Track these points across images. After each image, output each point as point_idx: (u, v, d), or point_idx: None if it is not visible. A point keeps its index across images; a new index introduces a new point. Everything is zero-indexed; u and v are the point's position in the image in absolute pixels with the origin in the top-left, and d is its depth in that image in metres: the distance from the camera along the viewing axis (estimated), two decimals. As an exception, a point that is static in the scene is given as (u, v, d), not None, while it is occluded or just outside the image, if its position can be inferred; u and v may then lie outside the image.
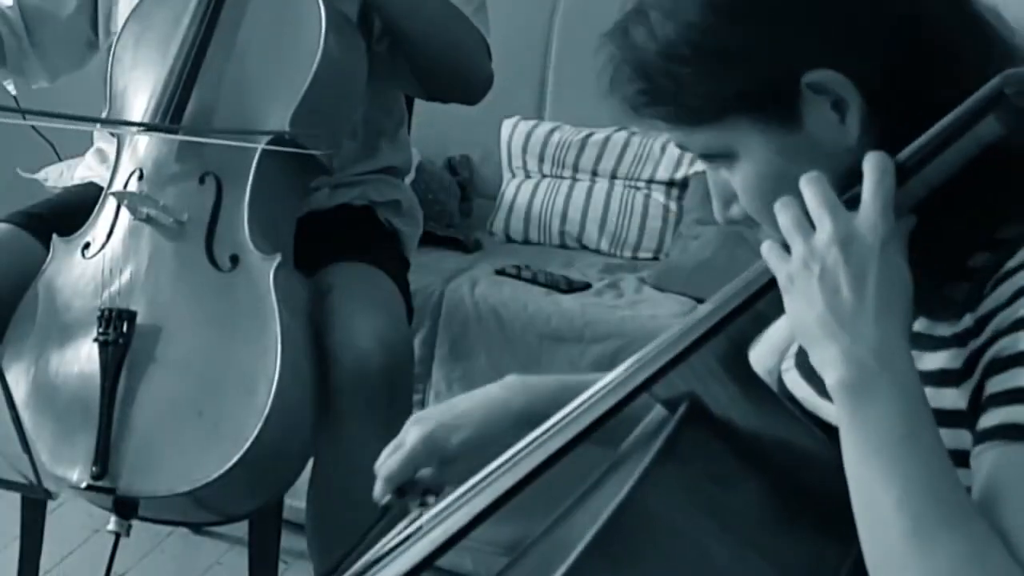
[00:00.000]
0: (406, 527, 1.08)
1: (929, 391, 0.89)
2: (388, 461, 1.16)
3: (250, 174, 1.71)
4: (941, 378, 0.90)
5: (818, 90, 0.89)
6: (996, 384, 0.85)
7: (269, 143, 1.70)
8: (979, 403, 0.87)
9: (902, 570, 0.81)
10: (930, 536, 0.80)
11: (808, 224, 0.87)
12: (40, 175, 2.60)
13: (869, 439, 0.83)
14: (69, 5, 2.01)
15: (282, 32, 1.78)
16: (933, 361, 0.91)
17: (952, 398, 0.89)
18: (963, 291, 0.89)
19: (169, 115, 1.74)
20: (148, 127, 1.76)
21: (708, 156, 0.96)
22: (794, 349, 1.07)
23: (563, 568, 0.83)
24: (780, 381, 1.06)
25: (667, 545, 0.88)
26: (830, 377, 0.85)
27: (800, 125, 0.91)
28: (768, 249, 0.90)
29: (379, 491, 1.16)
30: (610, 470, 0.95)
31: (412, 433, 1.16)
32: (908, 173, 0.88)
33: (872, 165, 0.87)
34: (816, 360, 0.86)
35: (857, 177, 0.87)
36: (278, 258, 1.66)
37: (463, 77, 1.96)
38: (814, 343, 0.86)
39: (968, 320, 0.88)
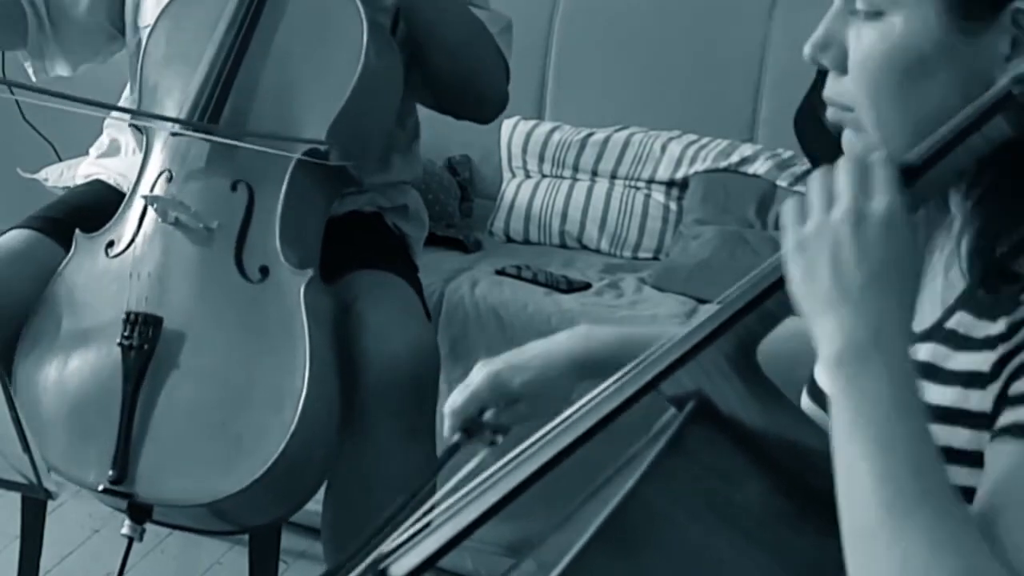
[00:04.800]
0: (468, 477, 1.08)
1: (956, 392, 0.90)
2: (454, 396, 1.19)
3: (283, 184, 1.69)
4: (969, 380, 0.90)
5: (1016, 21, 0.88)
6: (1020, 386, 0.85)
7: (305, 154, 1.69)
8: (1001, 405, 0.87)
9: (875, 545, 0.80)
10: (907, 514, 0.80)
11: (830, 197, 0.87)
12: (40, 175, 2.59)
13: (857, 413, 0.83)
14: (82, 2, 1.99)
15: (322, 41, 1.76)
16: (964, 362, 0.90)
17: (977, 400, 0.89)
18: None
19: (205, 118, 1.72)
20: (183, 123, 1.74)
21: (860, 1, 0.92)
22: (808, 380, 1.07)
23: (566, 560, 0.83)
24: (811, 379, 1.06)
25: (670, 539, 0.88)
26: (827, 349, 0.85)
27: (975, 35, 0.89)
28: (789, 207, 0.89)
29: (447, 428, 1.20)
30: (620, 468, 0.95)
31: (478, 373, 1.19)
32: (916, 173, 0.87)
33: (875, 160, 0.87)
34: (816, 330, 0.86)
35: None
36: (309, 273, 1.64)
37: (479, 95, 1.96)
38: (815, 314, 0.86)
39: (1002, 324, 0.88)
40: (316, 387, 1.56)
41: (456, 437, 1.18)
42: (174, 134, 1.75)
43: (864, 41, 0.91)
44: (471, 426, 1.19)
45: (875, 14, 0.91)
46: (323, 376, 1.60)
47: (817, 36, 0.95)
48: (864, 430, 0.83)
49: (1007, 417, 0.85)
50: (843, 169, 0.87)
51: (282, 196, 1.69)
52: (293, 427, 1.53)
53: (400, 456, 1.53)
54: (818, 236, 0.86)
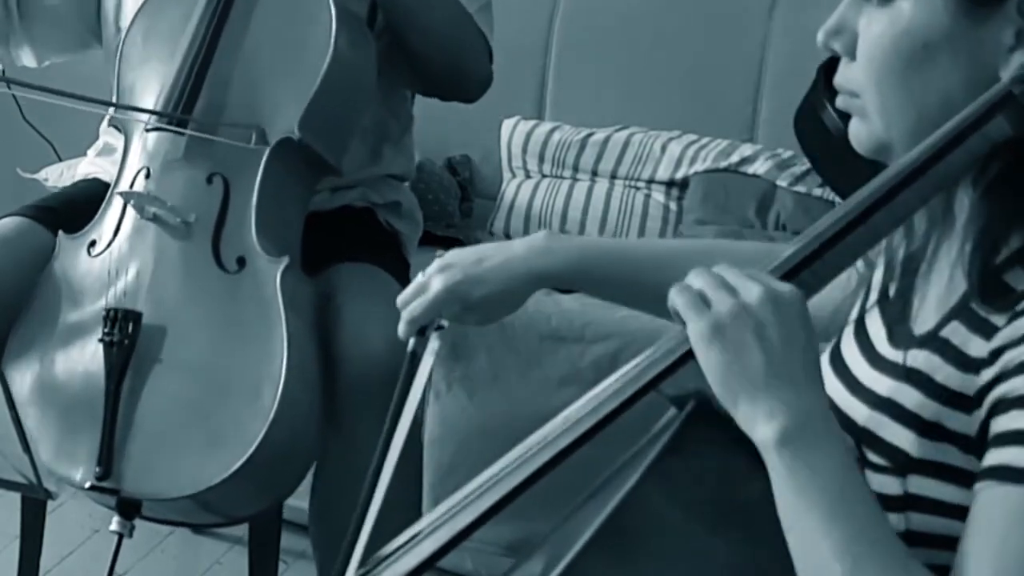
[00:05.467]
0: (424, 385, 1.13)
1: (936, 408, 0.91)
2: (412, 304, 1.20)
3: (258, 175, 1.70)
4: (952, 399, 0.90)
5: (1022, 11, 0.88)
6: (999, 425, 0.86)
7: (275, 145, 1.70)
8: (985, 439, 0.88)
9: None
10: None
11: (732, 289, 0.88)
12: (40, 175, 2.59)
13: (808, 488, 0.85)
14: None
15: (292, 32, 1.77)
16: (952, 379, 0.91)
17: (960, 423, 0.90)
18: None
19: (179, 111, 1.73)
20: (157, 114, 1.74)
21: None
22: (830, 346, 1.07)
23: (567, 560, 0.83)
24: None
25: (670, 539, 0.88)
26: (770, 429, 0.85)
27: (980, 24, 0.89)
28: (682, 295, 0.89)
29: (403, 331, 1.21)
30: (620, 468, 0.95)
31: (437, 280, 1.19)
32: (913, 177, 0.89)
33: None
34: (748, 411, 0.87)
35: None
36: (285, 261, 1.64)
37: (462, 76, 1.96)
38: (749, 394, 0.87)
39: (984, 348, 0.89)
40: (295, 374, 1.57)
41: (411, 344, 1.19)
42: (148, 129, 1.76)
43: (874, 26, 0.93)
44: (424, 327, 1.20)
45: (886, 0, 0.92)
46: (302, 364, 1.61)
47: (830, 22, 0.96)
48: (817, 505, 0.84)
49: (991, 458, 0.86)
50: (727, 270, 0.90)
51: (257, 186, 1.70)
52: (272, 414, 1.54)
53: (376, 447, 1.54)
54: (737, 319, 0.86)
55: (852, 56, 0.95)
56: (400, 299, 1.21)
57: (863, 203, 0.90)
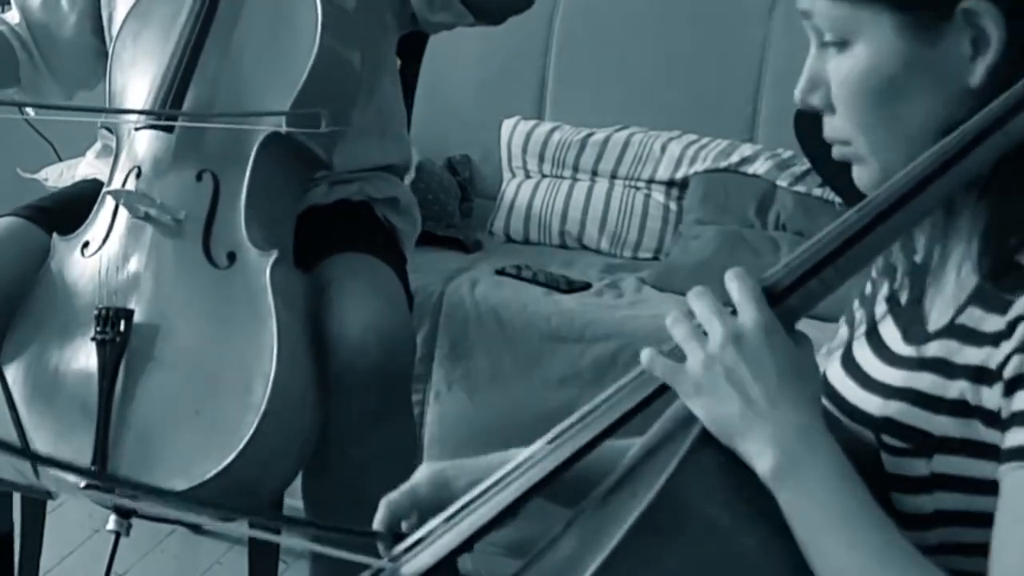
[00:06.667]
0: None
1: (963, 385, 0.91)
2: (395, 493, 1.13)
3: (247, 170, 1.71)
4: (977, 375, 0.91)
5: (969, 20, 0.89)
6: (1019, 401, 0.86)
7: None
8: (1005, 415, 0.88)
9: None
10: (900, 570, 0.85)
11: (702, 334, 0.91)
12: (40, 175, 2.59)
13: (813, 516, 0.87)
14: (68, 23, 2.02)
15: (278, 25, 1.79)
16: (972, 356, 0.91)
17: (988, 396, 0.90)
18: None
19: (166, 110, 1.74)
20: (145, 113, 1.76)
21: (827, 35, 0.95)
22: (839, 348, 1.07)
23: (598, 562, 0.83)
24: (824, 377, 1.07)
25: (702, 535, 0.88)
26: (762, 467, 0.88)
27: (935, 43, 0.91)
28: (657, 364, 0.93)
29: (377, 519, 1.12)
30: (644, 460, 0.95)
31: (421, 470, 1.15)
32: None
33: (731, 277, 0.92)
34: (744, 452, 0.90)
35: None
36: (275, 254, 1.65)
37: None
38: (740, 438, 0.90)
39: (1003, 321, 0.89)
40: (285, 368, 1.58)
41: (381, 552, 1.09)
42: (138, 128, 1.77)
43: (841, 74, 0.94)
44: (398, 531, 1.11)
45: (842, 44, 0.94)
46: (293, 357, 1.61)
47: (802, 81, 0.98)
48: (827, 529, 0.87)
49: (1013, 437, 0.86)
50: (696, 302, 0.93)
51: (246, 182, 1.71)
52: (263, 408, 1.54)
53: (366, 440, 1.53)
54: (708, 370, 0.90)
55: (831, 109, 0.97)
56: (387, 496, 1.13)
57: (885, 201, 0.90)
